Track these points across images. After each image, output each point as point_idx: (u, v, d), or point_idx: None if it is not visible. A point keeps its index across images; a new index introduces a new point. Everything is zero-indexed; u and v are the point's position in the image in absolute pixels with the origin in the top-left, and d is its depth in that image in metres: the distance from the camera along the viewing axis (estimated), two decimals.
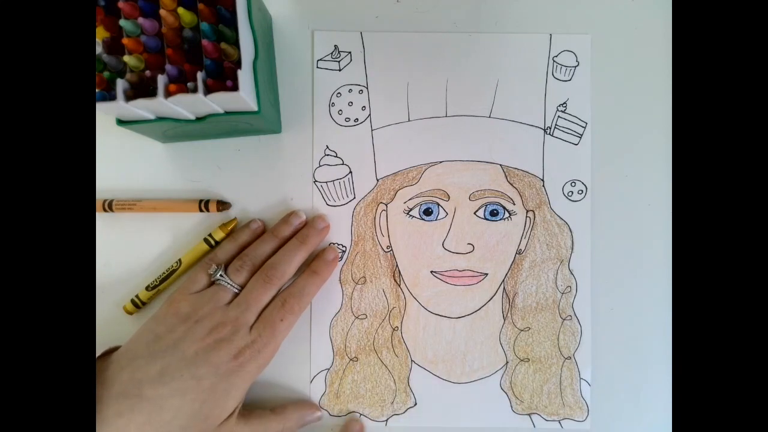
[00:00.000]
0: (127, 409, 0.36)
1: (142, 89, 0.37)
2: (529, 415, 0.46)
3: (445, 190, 0.46)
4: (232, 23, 0.37)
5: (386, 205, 0.46)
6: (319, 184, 0.46)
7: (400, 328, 0.46)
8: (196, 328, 0.39)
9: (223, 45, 0.37)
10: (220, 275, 0.42)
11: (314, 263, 0.45)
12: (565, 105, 0.46)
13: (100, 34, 0.37)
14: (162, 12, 0.36)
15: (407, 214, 0.46)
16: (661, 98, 0.47)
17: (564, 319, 0.46)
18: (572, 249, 0.46)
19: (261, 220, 0.45)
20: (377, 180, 0.46)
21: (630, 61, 0.47)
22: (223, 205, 0.45)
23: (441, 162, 0.46)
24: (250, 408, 0.43)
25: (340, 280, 0.46)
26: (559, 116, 0.46)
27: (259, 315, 0.42)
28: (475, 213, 0.46)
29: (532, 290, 0.46)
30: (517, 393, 0.46)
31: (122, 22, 0.36)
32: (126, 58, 0.36)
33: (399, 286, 0.46)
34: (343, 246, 0.46)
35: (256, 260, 0.43)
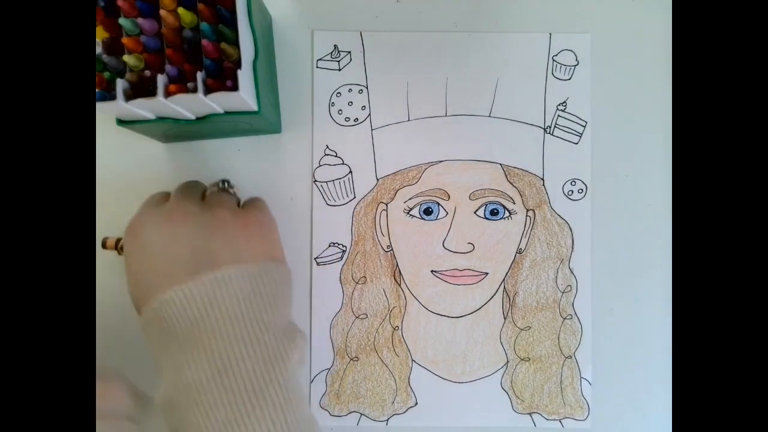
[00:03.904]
0: None
1: (142, 89, 0.37)
2: (530, 414, 0.46)
3: (445, 190, 0.46)
4: (232, 23, 0.37)
5: (386, 204, 0.46)
6: (319, 184, 0.46)
7: (400, 328, 0.46)
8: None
9: (223, 45, 0.37)
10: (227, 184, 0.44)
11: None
12: (565, 104, 0.46)
13: (100, 34, 0.37)
14: (162, 12, 0.36)
15: (407, 213, 0.46)
16: (661, 97, 0.47)
17: (564, 318, 0.46)
18: (572, 248, 0.46)
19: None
20: (377, 179, 0.46)
21: (630, 60, 0.47)
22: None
23: (441, 161, 0.46)
24: None
25: (340, 280, 0.46)
26: (559, 115, 0.46)
27: None
28: (475, 212, 0.46)
29: (532, 289, 0.46)
30: (517, 392, 0.46)
31: (122, 21, 0.36)
32: (126, 57, 0.36)
33: (399, 285, 0.46)
34: (343, 246, 0.46)
35: None
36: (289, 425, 0.32)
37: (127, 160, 0.46)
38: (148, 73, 0.37)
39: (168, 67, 0.37)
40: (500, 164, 0.46)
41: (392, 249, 0.46)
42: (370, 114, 0.46)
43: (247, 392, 0.32)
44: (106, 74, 0.37)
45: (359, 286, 0.46)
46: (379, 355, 0.46)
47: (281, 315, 0.37)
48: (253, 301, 0.35)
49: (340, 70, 0.46)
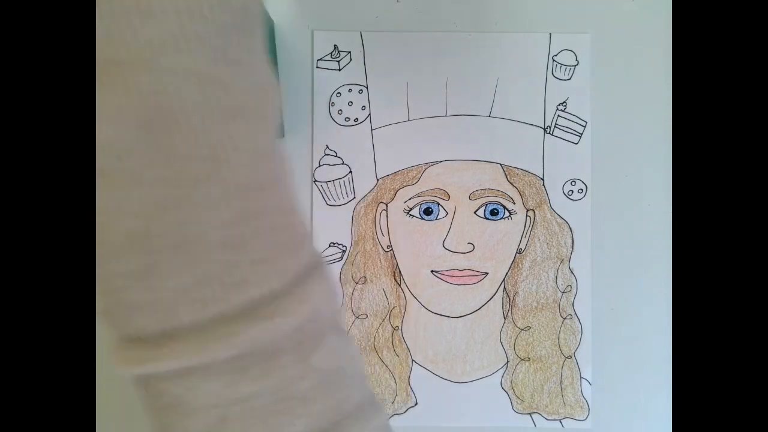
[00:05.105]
0: None
1: None
2: (530, 414, 0.46)
3: (445, 190, 0.46)
4: None
5: (386, 204, 0.46)
6: (319, 184, 0.46)
7: (400, 328, 0.46)
8: None
9: None
10: None
11: None
12: (564, 104, 0.46)
13: None
14: None
15: (407, 213, 0.46)
16: (661, 97, 0.47)
17: (564, 318, 0.46)
18: (572, 248, 0.46)
19: None
20: (377, 180, 0.46)
21: (630, 60, 0.47)
22: None
23: (441, 161, 0.46)
24: None
25: (340, 280, 0.46)
26: (558, 115, 0.46)
27: None
28: (475, 212, 0.46)
29: (532, 289, 0.46)
30: (517, 392, 0.46)
31: None
32: None
33: (399, 285, 0.46)
34: (343, 246, 0.46)
35: None
36: None
37: None
38: None
39: None
40: (500, 164, 0.46)
41: (392, 249, 0.46)
42: (370, 114, 0.46)
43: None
44: None
45: (359, 286, 0.46)
46: (379, 355, 0.46)
47: None
48: None
49: (340, 70, 0.46)
